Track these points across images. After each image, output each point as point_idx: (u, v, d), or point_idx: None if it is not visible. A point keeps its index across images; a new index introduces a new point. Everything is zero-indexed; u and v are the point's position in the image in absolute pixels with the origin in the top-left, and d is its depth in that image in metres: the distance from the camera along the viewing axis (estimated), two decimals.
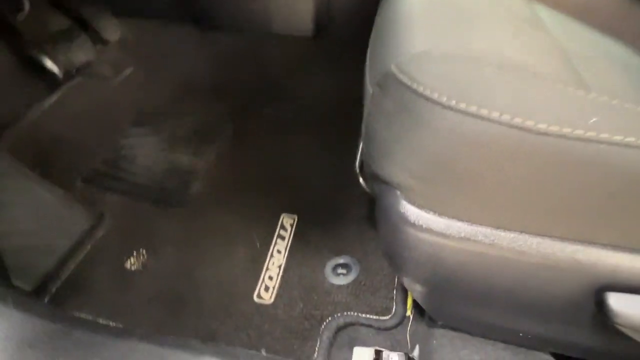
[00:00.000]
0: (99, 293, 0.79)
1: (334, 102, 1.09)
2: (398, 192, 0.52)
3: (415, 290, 0.58)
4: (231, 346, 0.70)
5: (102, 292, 0.79)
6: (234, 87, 1.21)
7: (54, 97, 0.98)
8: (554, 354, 0.58)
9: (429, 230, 0.50)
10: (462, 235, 0.49)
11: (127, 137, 1.10)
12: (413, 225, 0.51)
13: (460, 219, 0.49)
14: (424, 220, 0.50)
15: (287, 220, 0.93)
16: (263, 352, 0.66)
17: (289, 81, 1.17)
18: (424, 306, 0.60)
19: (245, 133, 1.13)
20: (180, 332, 0.73)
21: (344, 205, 0.94)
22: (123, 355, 0.59)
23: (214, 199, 0.97)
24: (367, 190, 0.72)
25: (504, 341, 0.59)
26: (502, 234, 0.47)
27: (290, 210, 0.94)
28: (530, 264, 0.47)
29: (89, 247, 0.85)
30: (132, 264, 0.84)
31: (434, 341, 0.62)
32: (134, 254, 0.85)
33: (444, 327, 0.62)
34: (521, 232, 0.46)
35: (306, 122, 1.13)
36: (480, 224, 0.48)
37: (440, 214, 0.50)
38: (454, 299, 0.56)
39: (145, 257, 0.85)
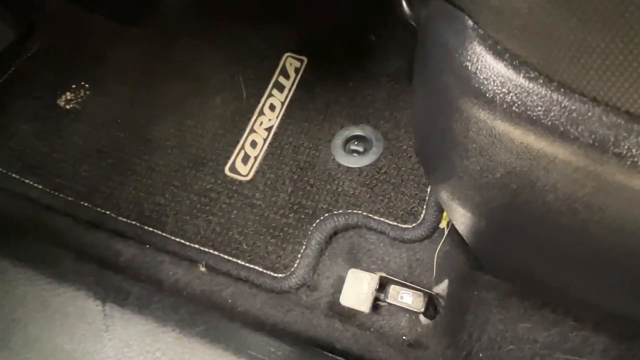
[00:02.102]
0: (16, 136, 0.58)
1: None
2: (468, 21, 0.23)
3: (459, 217, 0.32)
4: (177, 238, 0.49)
5: (21, 135, 0.58)
6: None
7: None
8: None
9: (522, 117, 0.22)
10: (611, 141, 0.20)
11: None
12: (489, 101, 0.23)
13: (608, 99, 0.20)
14: (517, 92, 0.22)
15: (292, 64, 0.64)
16: (201, 268, 0.45)
17: None
18: (469, 242, 0.35)
19: None
20: (113, 205, 0.53)
21: (376, 53, 0.63)
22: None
23: (193, 23, 0.68)
24: (412, 22, 0.42)
25: (597, 322, 0.34)
26: None
27: (297, 50, 0.65)
28: None
29: (11, 69, 0.61)
30: (67, 100, 0.60)
31: (475, 292, 0.38)
32: (73, 86, 0.61)
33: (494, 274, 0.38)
34: None
35: None
36: None
37: (562, 82, 0.21)
38: (528, 248, 0.29)
39: (87, 92, 0.61)
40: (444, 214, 0.52)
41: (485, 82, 0.22)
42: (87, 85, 0.62)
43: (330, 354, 0.30)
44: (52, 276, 0.33)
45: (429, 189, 0.53)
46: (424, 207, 0.52)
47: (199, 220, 0.53)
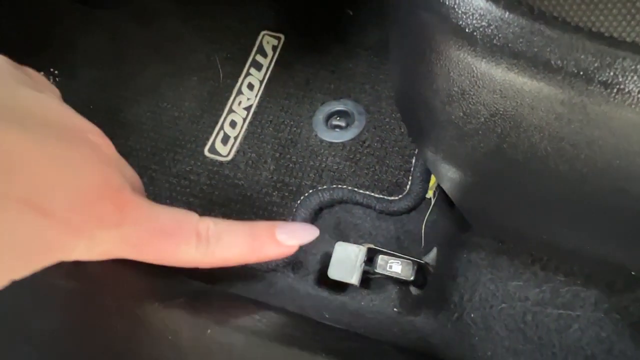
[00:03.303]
0: None
1: None
2: None
3: (445, 174, 0.31)
4: None
5: None
6: None
7: None
8: None
9: (503, 51, 0.22)
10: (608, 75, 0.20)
11: None
12: (469, 36, 0.22)
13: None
14: (497, 24, 0.21)
15: (269, 41, 0.62)
16: None
17: None
18: (456, 201, 0.34)
19: None
20: None
21: (354, 26, 0.62)
22: None
23: (165, 3, 0.66)
24: None
25: (587, 276, 0.33)
26: None
27: (274, 28, 0.63)
28: None
29: None
30: None
31: (464, 255, 0.37)
32: (41, 73, 0.59)
33: (483, 233, 0.37)
34: None
35: None
36: None
37: (543, 11, 0.20)
38: (515, 198, 0.29)
39: (57, 79, 0.59)
40: (430, 183, 0.51)
41: (464, 17, 0.21)
42: (56, 72, 0.59)
43: (317, 320, 0.29)
44: None
45: (413, 160, 0.52)
46: (410, 178, 0.51)
47: (179, 203, 0.51)
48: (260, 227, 0.31)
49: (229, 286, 0.31)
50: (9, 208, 0.20)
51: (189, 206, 0.51)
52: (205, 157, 0.54)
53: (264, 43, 0.62)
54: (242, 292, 0.31)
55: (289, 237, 0.31)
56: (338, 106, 0.57)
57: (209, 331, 0.25)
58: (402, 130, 0.54)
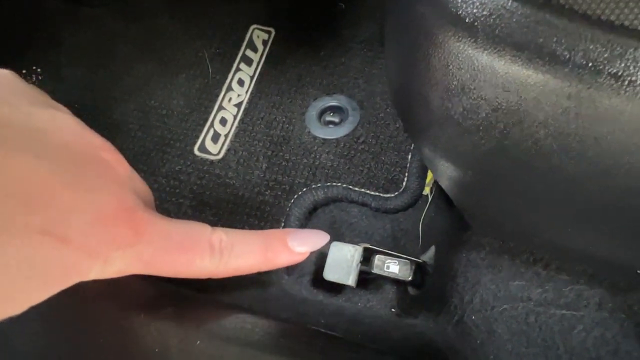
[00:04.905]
0: None
1: None
2: None
3: (443, 172, 0.30)
4: None
5: None
6: None
7: None
8: None
9: (506, 41, 0.20)
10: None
11: None
12: (469, 27, 0.21)
13: None
14: (499, 13, 0.20)
15: (259, 36, 0.61)
16: None
17: None
18: (455, 200, 0.33)
19: None
20: None
21: (346, 20, 0.60)
22: None
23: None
24: None
25: (591, 276, 0.32)
26: None
27: (264, 22, 0.61)
28: None
29: None
30: None
31: (464, 254, 0.36)
32: (23, 72, 0.57)
33: (483, 232, 0.36)
34: None
35: None
36: None
37: None
38: (518, 197, 0.28)
39: (40, 77, 0.57)
40: (427, 180, 0.50)
41: (464, 6, 0.20)
42: (39, 70, 0.57)
43: (313, 327, 0.28)
44: None
45: (409, 156, 0.51)
46: (406, 174, 0.50)
47: (169, 204, 0.50)
48: (273, 236, 0.31)
49: (220, 292, 0.30)
50: (29, 240, 0.20)
51: (179, 207, 0.49)
52: (195, 156, 0.53)
53: (254, 37, 0.61)
54: (234, 298, 0.30)
55: (300, 244, 0.32)
56: (331, 102, 0.55)
57: (198, 342, 0.24)
58: (397, 126, 0.53)
